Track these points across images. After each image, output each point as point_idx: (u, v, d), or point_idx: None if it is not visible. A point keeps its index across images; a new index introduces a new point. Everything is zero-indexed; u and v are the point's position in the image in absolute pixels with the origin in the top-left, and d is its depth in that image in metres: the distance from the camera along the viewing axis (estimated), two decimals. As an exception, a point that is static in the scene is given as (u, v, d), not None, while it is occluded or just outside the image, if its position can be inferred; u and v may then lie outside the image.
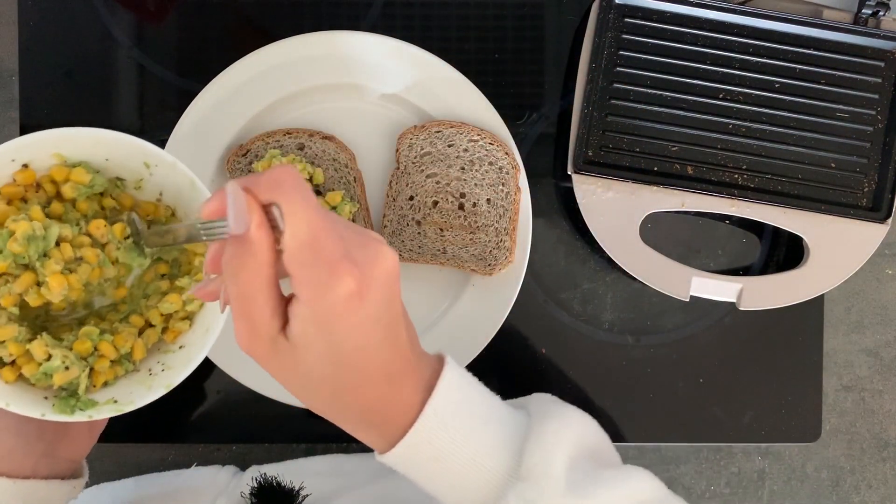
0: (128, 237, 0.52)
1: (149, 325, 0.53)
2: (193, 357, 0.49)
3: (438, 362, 0.44)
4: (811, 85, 0.67)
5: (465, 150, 0.64)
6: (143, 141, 0.49)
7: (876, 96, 0.67)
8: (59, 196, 0.52)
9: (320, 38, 0.64)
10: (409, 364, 0.41)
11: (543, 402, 0.47)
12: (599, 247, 0.65)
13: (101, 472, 0.74)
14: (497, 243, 0.64)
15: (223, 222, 0.37)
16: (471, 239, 0.64)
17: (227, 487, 0.63)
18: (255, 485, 0.56)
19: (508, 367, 0.68)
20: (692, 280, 0.66)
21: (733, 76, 0.66)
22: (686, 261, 0.66)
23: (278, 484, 0.56)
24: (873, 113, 0.67)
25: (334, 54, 0.64)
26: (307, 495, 0.56)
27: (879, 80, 0.67)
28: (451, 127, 0.64)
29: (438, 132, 0.64)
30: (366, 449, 0.70)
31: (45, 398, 0.48)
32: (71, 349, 0.49)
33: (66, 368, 0.48)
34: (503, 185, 0.64)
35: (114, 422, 0.67)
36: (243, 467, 0.69)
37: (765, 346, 0.70)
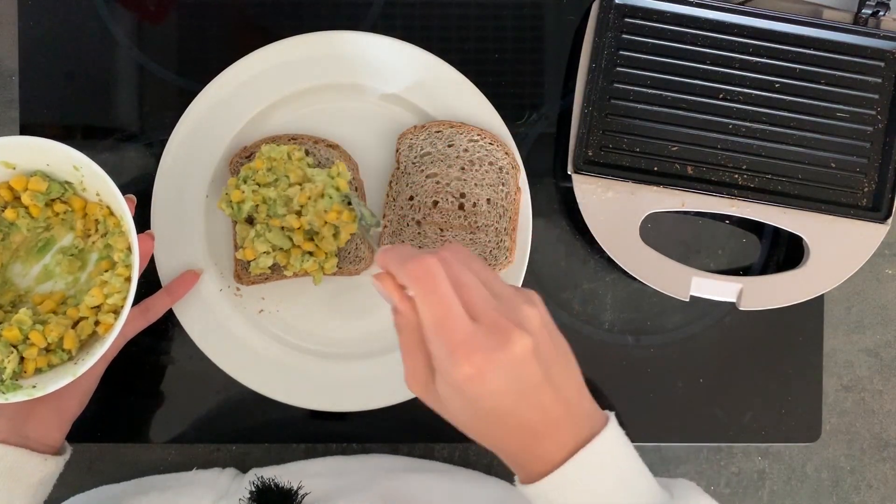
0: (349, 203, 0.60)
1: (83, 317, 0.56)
2: (104, 346, 0.51)
3: (602, 420, 0.45)
4: (811, 85, 0.67)
5: (465, 150, 0.64)
6: (63, 145, 0.52)
7: (876, 96, 0.67)
8: (15, 200, 0.56)
9: (320, 38, 0.64)
10: (555, 422, 0.43)
11: (688, 489, 0.49)
12: (599, 247, 0.65)
13: (100, 472, 0.74)
14: (497, 243, 0.64)
15: None
16: (471, 239, 0.64)
17: (227, 491, 0.63)
18: (254, 488, 0.56)
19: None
20: (692, 280, 0.66)
21: (733, 76, 0.66)
22: (686, 261, 0.66)
23: (276, 486, 0.56)
24: (873, 113, 0.67)
25: (334, 54, 0.64)
26: (306, 494, 0.56)
27: (879, 80, 0.67)
28: (451, 127, 0.64)
29: (438, 132, 0.64)
30: (365, 450, 0.70)
31: None
32: (0, 335, 0.52)
33: None
34: (503, 185, 0.64)
35: (114, 422, 0.67)
36: (243, 468, 0.69)
37: (765, 346, 0.70)
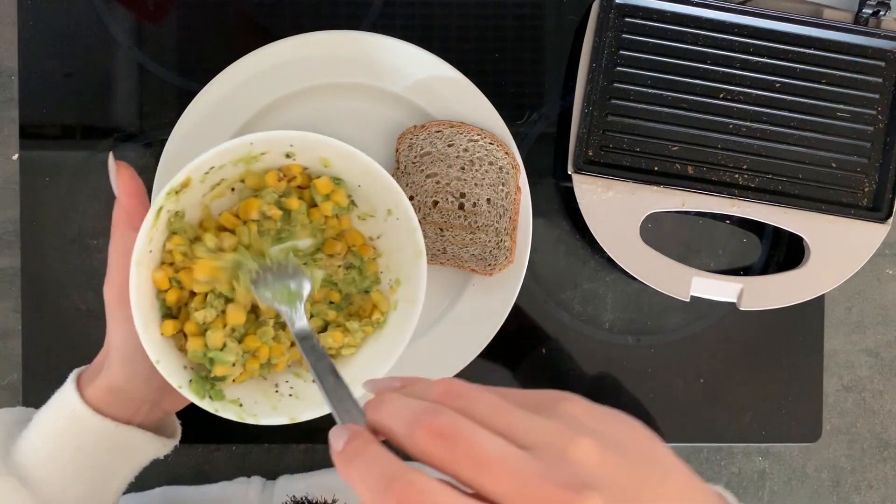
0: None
1: None
2: (321, 403, 0.48)
3: None
4: (812, 85, 0.67)
5: (465, 150, 0.64)
6: (406, 199, 0.49)
7: (876, 96, 0.67)
8: (298, 189, 0.52)
9: (320, 37, 0.64)
10: None
11: None
12: (599, 247, 0.65)
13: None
14: (497, 243, 0.64)
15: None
16: (471, 239, 0.64)
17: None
18: None
19: (508, 367, 0.68)
20: (692, 280, 0.66)
21: (734, 76, 0.66)
22: (686, 261, 0.66)
23: (309, 502, 0.56)
24: (874, 113, 0.67)
25: (334, 54, 0.64)
26: None
27: (880, 80, 0.67)
28: (451, 127, 0.64)
29: (438, 132, 0.64)
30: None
31: (185, 367, 0.47)
32: (240, 341, 0.48)
33: (233, 365, 0.47)
34: (503, 185, 0.64)
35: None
36: (243, 468, 0.69)
37: (765, 346, 0.70)
